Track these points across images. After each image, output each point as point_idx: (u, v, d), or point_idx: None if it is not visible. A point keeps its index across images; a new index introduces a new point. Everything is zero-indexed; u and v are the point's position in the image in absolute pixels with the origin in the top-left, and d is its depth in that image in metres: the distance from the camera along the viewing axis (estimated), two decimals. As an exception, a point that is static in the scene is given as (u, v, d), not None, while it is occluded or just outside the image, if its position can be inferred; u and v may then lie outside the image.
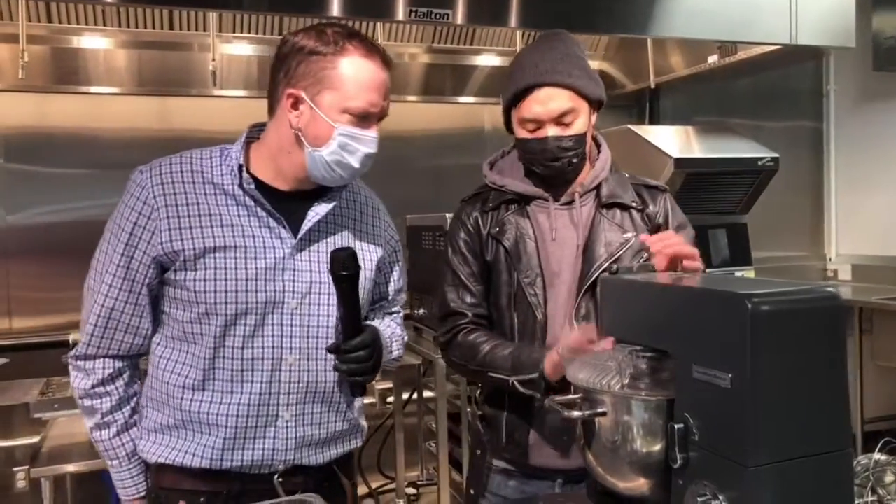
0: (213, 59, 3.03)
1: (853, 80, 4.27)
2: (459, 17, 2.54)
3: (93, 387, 1.44)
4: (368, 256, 1.55)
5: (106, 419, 1.46)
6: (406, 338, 1.71)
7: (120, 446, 1.47)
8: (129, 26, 3.16)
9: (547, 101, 1.54)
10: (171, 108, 3.37)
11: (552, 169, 1.58)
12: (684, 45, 3.55)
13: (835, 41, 3.07)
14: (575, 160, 1.59)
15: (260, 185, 1.44)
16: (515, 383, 1.51)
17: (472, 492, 1.68)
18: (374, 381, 3.28)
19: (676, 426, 1.04)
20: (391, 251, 1.63)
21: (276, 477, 1.44)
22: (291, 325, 1.43)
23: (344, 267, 1.37)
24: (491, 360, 1.56)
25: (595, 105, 1.62)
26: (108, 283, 1.41)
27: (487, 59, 3.78)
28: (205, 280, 1.38)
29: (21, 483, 3.17)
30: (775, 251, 4.18)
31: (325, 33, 1.38)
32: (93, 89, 3.28)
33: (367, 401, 3.31)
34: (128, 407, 1.47)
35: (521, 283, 1.57)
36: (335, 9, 2.38)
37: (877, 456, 1.31)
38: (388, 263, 1.63)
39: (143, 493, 1.49)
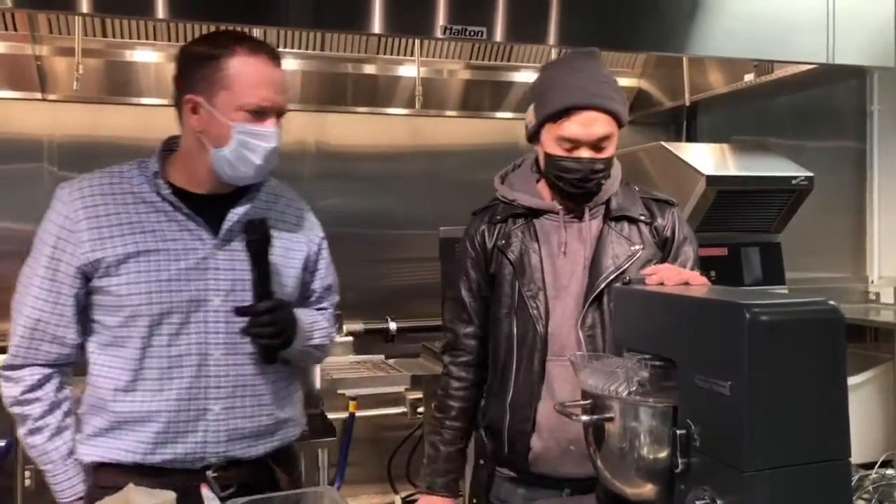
0: (257, 73, 3.13)
1: (898, 100, 4.21)
2: (498, 34, 2.58)
3: (22, 394, 1.49)
4: (292, 255, 1.61)
5: (38, 424, 1.50)
6: (334, 333, 1.76)
7: (53, 450, 1.51)
8: (178, 41, 3.28)
9: (590, 125, 1.57)
10: (217, 120, 3.49)
11: (582, 189, 1.62)
12: (721, 63, 3.54)
13: (874, 60, 3.04)
14: (603, 182, 1.64)
15: (179, 191, 1.51)
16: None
17: (474, 501, 1.72)
18: (404, 392, 3.36)
19: (678, 432, 1.08)
20: (316, 249, 1.69)
21: (209, 471, 1.49)
22: (216, 322, 1.49)
23: (255, 230, 1.48)
24: (434, 436, 1.75)
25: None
26: (34, 294, 1.48)
27: (525, 76, 3.82)
28: (128, 284, 1.45)
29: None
30: (816, 272, 4.13)
31: (215, 39, 1.48)
32: (143, 101, 3.41)
33: (397, 410, 3.42)
34: (59, 411, 1.52)
35: (523, 295, 1.62)
36: (376, 26, 2.45)
37: (889, 471, 1.31)
38: (313, 261, 1.69)
39: (80, 495, 1.53)
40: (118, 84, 3.33)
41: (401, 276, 3.79)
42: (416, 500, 3.52)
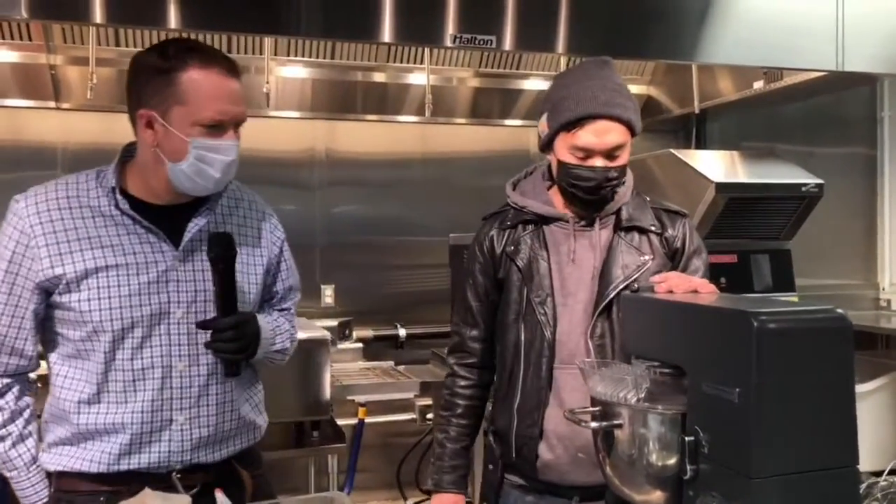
0: (267, 82, 3.16)
1: (909, 107, 4.19)
2: (507, 43, 2.59)
3: None
4: (254, 262, 1.61)
5: (0, 433, 1.50)
6: (296, 334, 1.75)
7: (17, 457, 1.51)
8: (190, 50, 3.31)
9: (603, 134, 1.57)
10: (228, 128, 3.52)
11: (596, 196, 1.63)
12: (731, 70, 3.55)
13: (884, 68, 3.03)
14: (618, 190, 1.65)
15: (138, 202, 1.49)
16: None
17: None
18: (414, 399, 3.37)
19: (687, 439, 1.08)
20: (277, 251, 1.68)
21: (174, 473, 1.50)
22: (179, 334, 1.49)
23: (220, 247, 1.46)
24: (440, 434, 1.76)
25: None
26: None
27: (534, 84, 3.84)
28: (89, 300, 1.44)
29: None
30: (827, 279, 4.11)
31: (166, 50, 1.44)
32: (155, 109, 3.44)
33: (406, 417, 3.42)
34: (20, 419, 1.51)
35: (531, 301, 1.63)
36: (386, 35, 2.46)
37: (898, 480, 1.30)
38: (275, 264, 1.68)
39: (45, 500, 1.52)
40: (131, 92, 3.36)
41: (410, 282, 3.81)
42: (425, 507, 3.55)
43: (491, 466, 1.73)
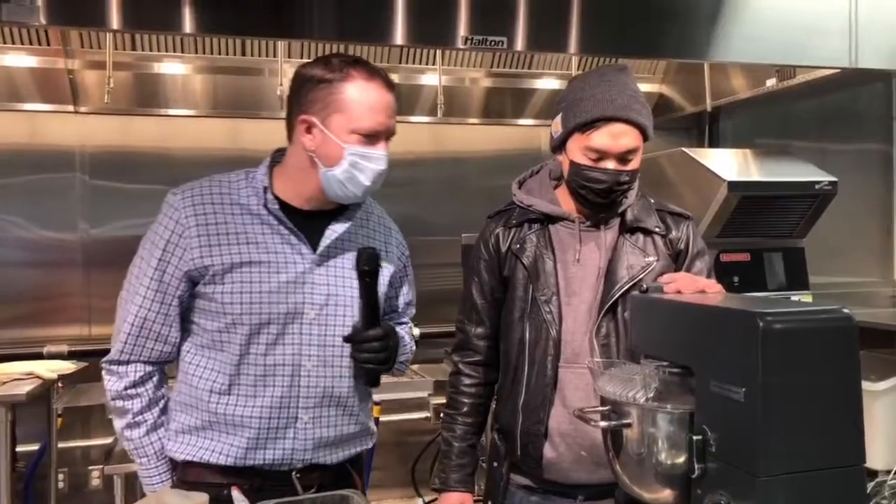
0: (280, 84, 3.19)
1: (924, 103, 4.15)
2: (519, 44, 2.60)
3: (125, 388, 1.55)
4: (381, 272, 1.63)
5: (136, 419, 1.56)
6: (414, 347, 1.81)
7: (149, 444, 1.57)
8: (204, 53, 3.36)
9: (618, 137, 1.59)
10: (242, 130, 3.56)
11: (606, 199, 1.64)
12: (743, 67, 3.54)
13: (899, 64, 3.02)
14: (628, 193, 1.66)
15: (282, 204, 1.55)
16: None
17: (489, 503, 1.75)
18: (428, 397, 3.39)
19: (695, 438, 1.10)
20: (402, 267, 1.74)
21: (293, 473, 1.55)
22: (310, 335, 1.54)
23: (367, 262, 1.52)
24: (446, 432, 1.78)
25: None
26: (142, 294, 1.53)
27: (546, 83, 3.85)
28: (231, 293, 1.50)
29: (96, 481, 3.37)
30: (842, 277, 4.09)
31: (330, 62, 1.51)
32: (171, 112, 3.49)
33: (420, 415, 3.43)
34: (156, 408, 1.58)
35: (536, 299, 1.64)
36: (399, 37, 2.48)
37: (909, 479, 1.31)
38: (399, 278, 1.73)
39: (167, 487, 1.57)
40: (147, 96, 3.41)
41: (423, 282, 3.79)
42: (439, 505, 3.57)
43: (496, 464, 1.75)
